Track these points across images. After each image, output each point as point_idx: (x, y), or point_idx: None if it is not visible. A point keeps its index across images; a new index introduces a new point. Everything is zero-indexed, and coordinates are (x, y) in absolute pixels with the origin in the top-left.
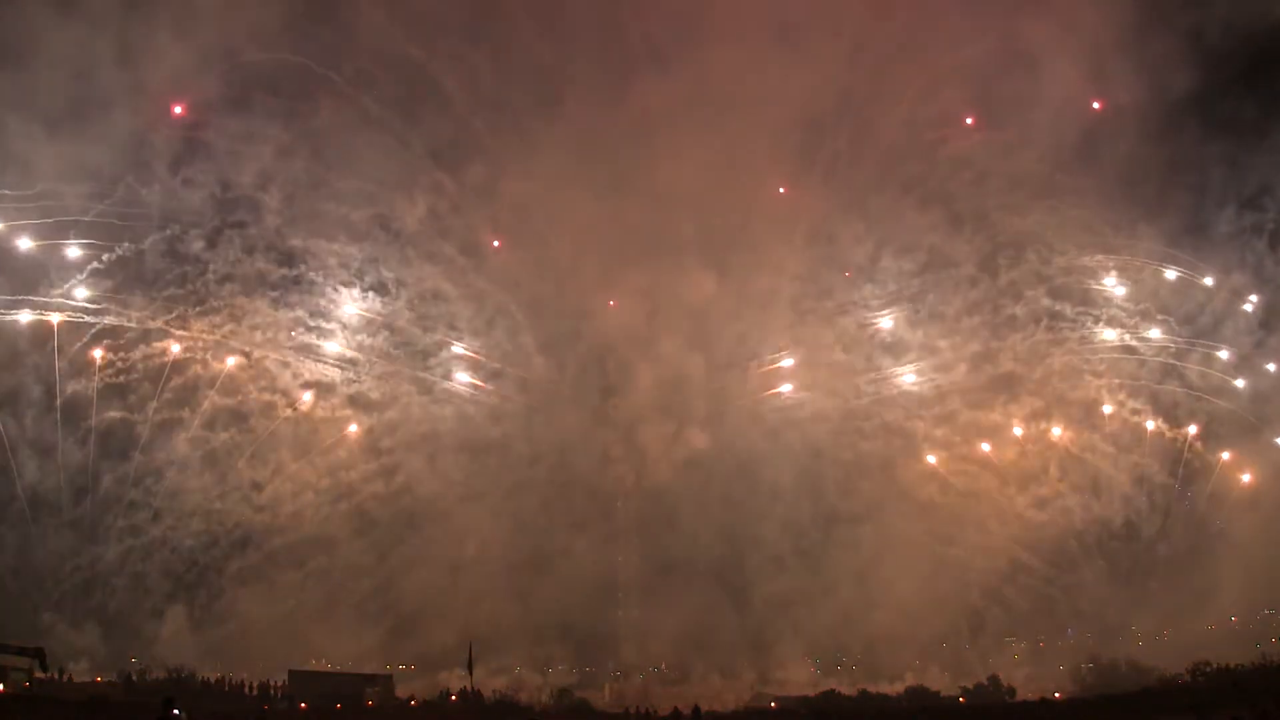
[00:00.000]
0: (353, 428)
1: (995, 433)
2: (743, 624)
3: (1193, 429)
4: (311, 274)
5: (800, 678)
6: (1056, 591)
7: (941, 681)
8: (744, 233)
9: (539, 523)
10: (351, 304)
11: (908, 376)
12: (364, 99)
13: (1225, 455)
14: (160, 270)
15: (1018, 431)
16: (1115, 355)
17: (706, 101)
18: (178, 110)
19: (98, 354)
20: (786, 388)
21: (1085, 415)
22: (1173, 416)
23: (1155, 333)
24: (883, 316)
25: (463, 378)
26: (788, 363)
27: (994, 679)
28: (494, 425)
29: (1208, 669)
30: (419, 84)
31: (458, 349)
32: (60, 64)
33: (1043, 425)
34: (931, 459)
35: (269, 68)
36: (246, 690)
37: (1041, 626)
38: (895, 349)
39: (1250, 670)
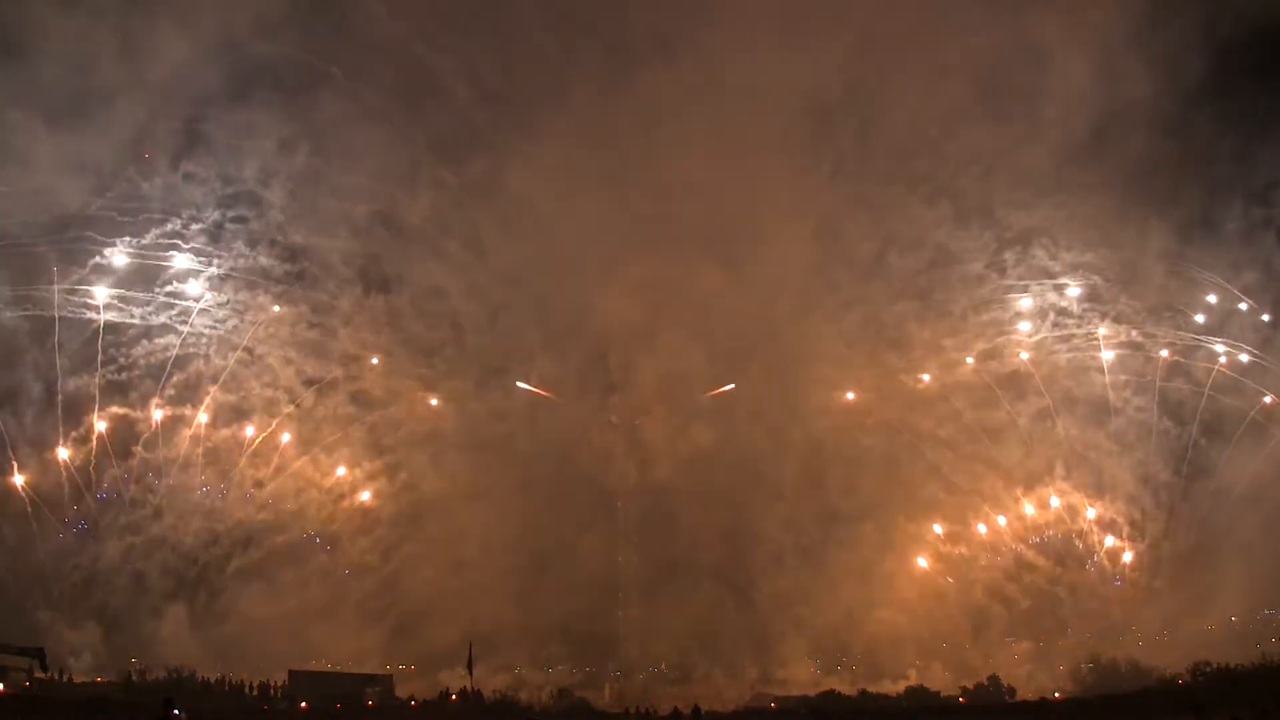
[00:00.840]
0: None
1: (999, 430)
2: (744, 623)
3: (1198, 427)
4: (314, 269)
5: (802, 677)
6: (1061, 590)
7: (942, 681)
8: (750, 224)
9: (540, 521)
10: (353, 299)
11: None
12: (365, 92)
13: (1229, 454)
14: (161, 265)
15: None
16: (1122, 352)
17: (712, 92)
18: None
19: (99, 350)
20: None
21: (1091, 413)
22: (1178, 415)
23: (1162, 329)
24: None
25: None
26: None
27: (994, 679)
28: (498, 422)
29: (1208, 669)
30: (421, 77)
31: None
32: (60, 57)
33: (1048, 423)
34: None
35: (270, 61)
36: (246, 690)
37: (1042, 626)
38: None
39: (1250, 670)
